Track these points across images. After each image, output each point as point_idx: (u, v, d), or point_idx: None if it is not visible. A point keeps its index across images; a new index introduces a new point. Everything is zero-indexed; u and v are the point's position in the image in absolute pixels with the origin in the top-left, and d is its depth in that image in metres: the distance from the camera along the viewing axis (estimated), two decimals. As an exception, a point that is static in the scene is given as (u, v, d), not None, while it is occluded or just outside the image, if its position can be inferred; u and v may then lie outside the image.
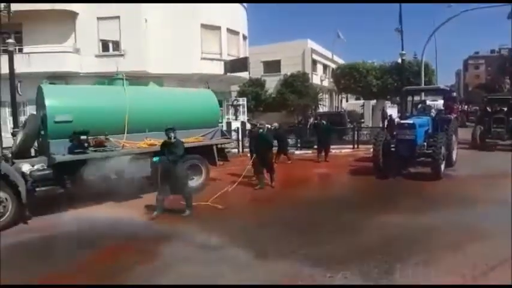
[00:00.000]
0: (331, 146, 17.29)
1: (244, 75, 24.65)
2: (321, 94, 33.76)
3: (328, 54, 38.94)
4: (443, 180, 10.45)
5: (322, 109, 33.30)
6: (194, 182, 9.70)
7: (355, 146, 17.71)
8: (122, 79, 9.61)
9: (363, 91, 20.88)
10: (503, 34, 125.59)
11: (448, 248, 5.61)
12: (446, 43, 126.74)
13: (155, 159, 7.71)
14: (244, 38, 24.73)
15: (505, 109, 18.06)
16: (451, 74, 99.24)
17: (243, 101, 25.43)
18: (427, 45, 19.24)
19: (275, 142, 12.75)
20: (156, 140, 8.87)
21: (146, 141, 9.11)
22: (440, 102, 17.89)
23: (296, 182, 11.34)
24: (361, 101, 27.81)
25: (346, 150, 17.53)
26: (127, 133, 8.88)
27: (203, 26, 21.12)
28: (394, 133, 11.71)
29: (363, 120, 24.55)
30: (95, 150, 8.17)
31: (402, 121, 11.78)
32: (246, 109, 25.68)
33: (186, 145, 9.32)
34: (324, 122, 16.07)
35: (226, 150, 10.82)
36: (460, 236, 6.09)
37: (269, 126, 13.77)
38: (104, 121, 8.57)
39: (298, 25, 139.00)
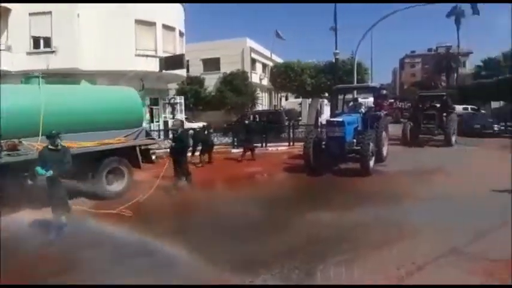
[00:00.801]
0: (269, 144, 17.55)
1: (182, 72, 24.10)
2: (258, 92, 33.97)
3: (267, 53, 39.30)
4: (373, 176, 10.66)
5: (260, 107, 33.52)
6: (116, 186, 9.07)
7: (291, 144, 17.77)
8: (38, 77, 8.76)
9: (298, 89, 21.23)
10: (441, 33, 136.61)
11: (374, 246, 5.55)
12: (384, 42, 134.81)
13: (41, 171, 6.25)
14: (181, 34, 24.16)
15: (438, 105, 19.15)
16: (389, 73, 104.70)
17: (180, 99, 24.83)
18: (366, 45, 19.88)
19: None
20: (73, 143, 8.06)
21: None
22: (371, 100, 18.55)
23: (224, 182, 11.03)
24: (300, 100, 28.33)
25: (282, 147, 17.59)
26: (42, 135, 8.02)
27: (137, 21, 20.35)
28: (323, 130, 11.88)
29: (300, 118, 24.94)
30: (8, 155, 7.43)
31: (331, 119, 11.97)
32: (183, 107, 25.15)
33: (105, 147, 8.74)
34: (247, 121, 15.76)
35: (152, 151, 10.21)
36: (386, 234, 6.06)
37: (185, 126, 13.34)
38: (16, 123, 7.70)
39: (237, 23, 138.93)
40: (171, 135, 17.19)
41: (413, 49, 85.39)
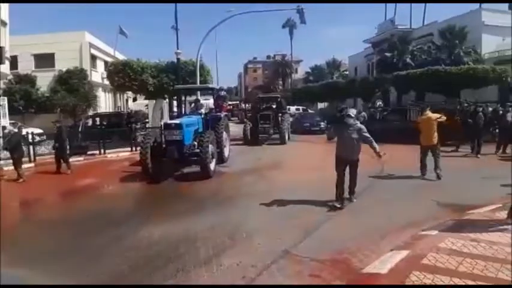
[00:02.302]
0: (108, 151, 15.98)
1: (4, 69, 20.39)
2: (96, 91, 31.15)
3: (110, 50, 36.45)
4: (214, 178, 10.52)
5: (101, 109, 30.79)
6: None
7: (134, 149, 16.43)
8: None
9: (140, 89, 20.19)
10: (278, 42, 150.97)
11: (205, 262, 4.98)
12: (232, 47, 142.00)
13: None
14: (4, 24, 20.49)
15: (274, 106, 20.75)
16: (236, 76, 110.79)
17: (3, 101, 21.08)
18: (213, 48, 19.89)
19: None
20: None
21: None
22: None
23: (40, 200, 9.48)
24: (147, 101, 27.11)
25: (124, 153, 16.27)
26: None
27: None
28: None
29: (147, 120, 23.85)
30: None
31: (169, 121, 11.54)
32: (7, 111, 21.34)
33: None
34: (58, 125, 13.44)
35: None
36: (219, 243, 5.64)
37: None
38: None
39: (75, 15, 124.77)
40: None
41: (255, 55, 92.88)
